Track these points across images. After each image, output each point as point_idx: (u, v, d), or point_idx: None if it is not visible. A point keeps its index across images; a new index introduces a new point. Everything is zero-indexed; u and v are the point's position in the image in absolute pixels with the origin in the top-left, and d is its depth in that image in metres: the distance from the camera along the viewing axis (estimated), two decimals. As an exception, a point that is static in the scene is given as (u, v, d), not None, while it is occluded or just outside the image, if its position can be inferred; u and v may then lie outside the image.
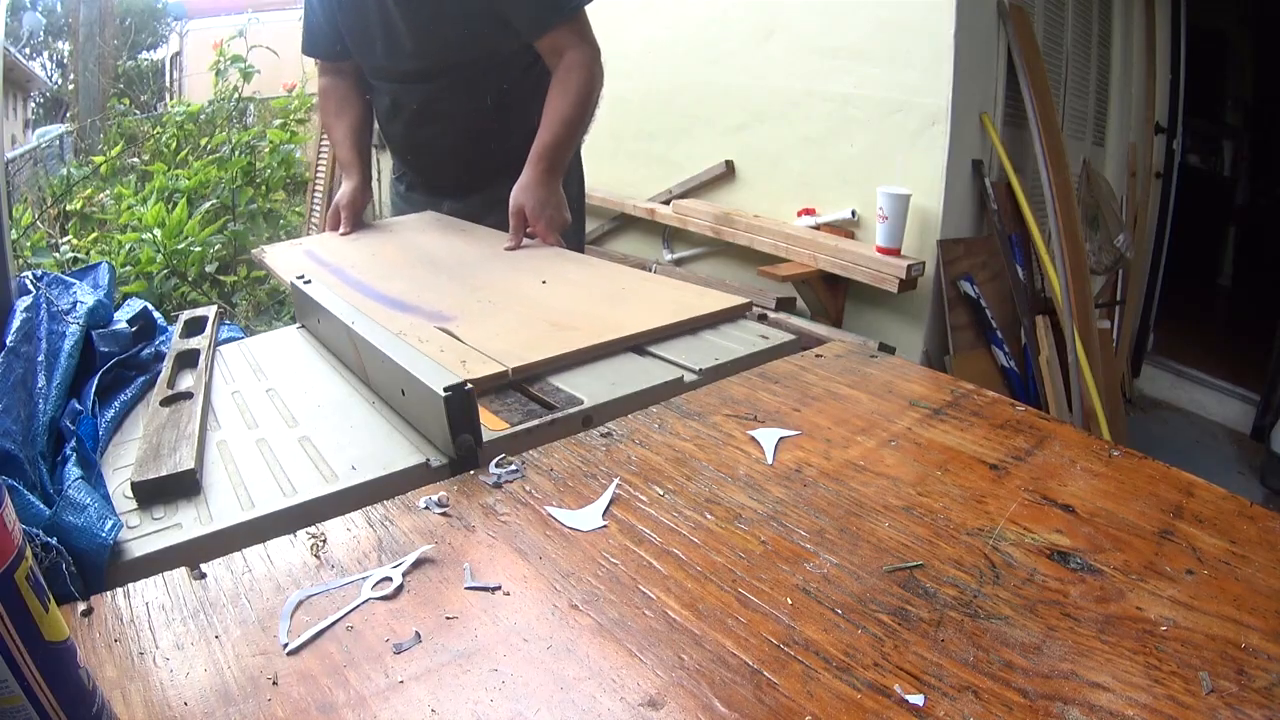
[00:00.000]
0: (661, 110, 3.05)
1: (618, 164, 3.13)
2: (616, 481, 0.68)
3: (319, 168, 4.24)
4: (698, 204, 2.97)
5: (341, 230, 1.49)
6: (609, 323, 0.96)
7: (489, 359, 0.88)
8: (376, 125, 1.70)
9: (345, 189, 1.54)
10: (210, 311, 1.10)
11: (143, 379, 0.92)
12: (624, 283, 1.13)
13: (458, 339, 0.94)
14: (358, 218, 1.54)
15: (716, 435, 0.75)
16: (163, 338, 1.02)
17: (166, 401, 0.84)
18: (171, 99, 5.38)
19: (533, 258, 1.32)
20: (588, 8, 1.48)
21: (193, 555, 0.61)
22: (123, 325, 0.97)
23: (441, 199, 1.69)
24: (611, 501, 0.65)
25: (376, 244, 1.46)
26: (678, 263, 3.13)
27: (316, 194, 4.22)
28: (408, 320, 1.01)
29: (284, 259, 1.38)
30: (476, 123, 1.59)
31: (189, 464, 0.70)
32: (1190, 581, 0.54)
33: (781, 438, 0.74)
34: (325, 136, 1.77)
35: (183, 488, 0.69)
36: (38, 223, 3.70)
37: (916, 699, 0.45)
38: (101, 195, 4.02)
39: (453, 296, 1.10)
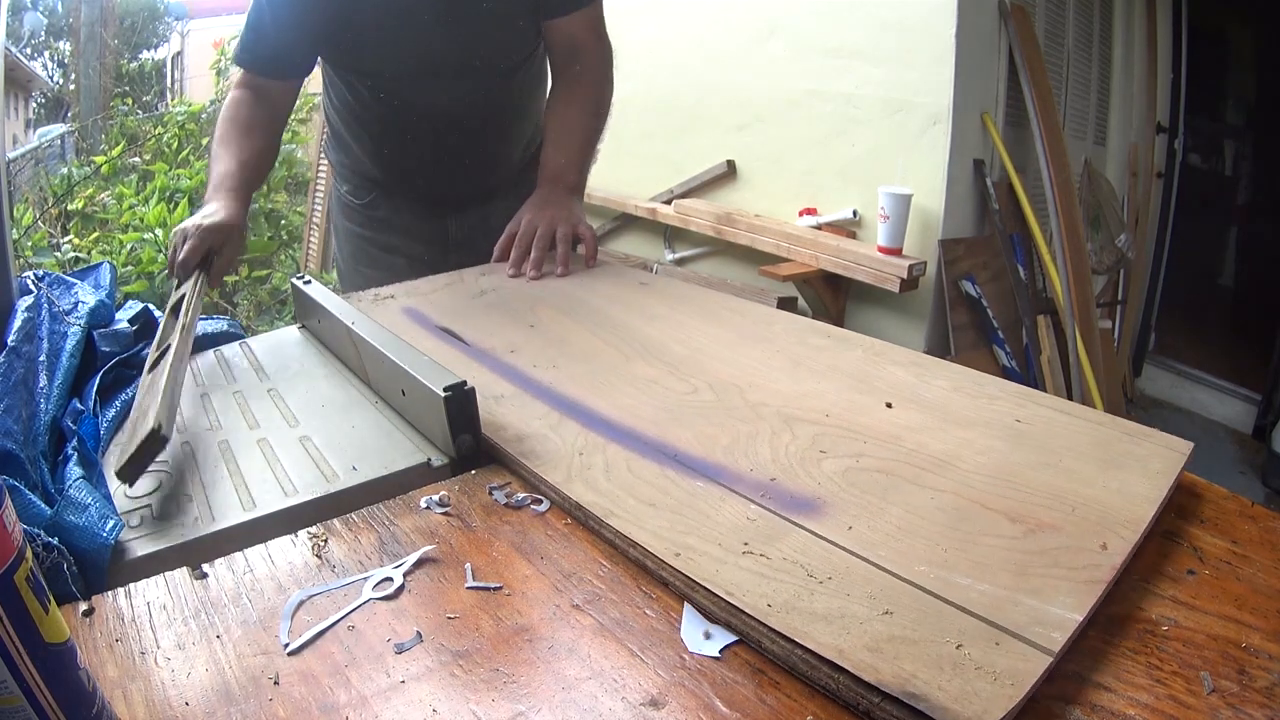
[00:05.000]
0: (663, 110, 3.05)
1: (619, 164, 3.12)
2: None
3: (320, 168, 4.25)
4: (699, 204, 2.97)
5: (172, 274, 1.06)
6: (1079, 507, 0.58)
7: (1009, 635, 0.47)
8: (356, 142, 1.41)
9: (228, 212, 1.11)
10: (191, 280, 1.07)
11: (144, 379, 0.93)
12: (998, 404, 0.74)
13: (876, 566, 0.53)
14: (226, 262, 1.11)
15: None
16: (164, 337, 1.02)
17: (152, 367, 0.82)
18: (173, 99, 5.39)
19: (803, 344, 0.89)
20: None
21: (194, 555, 0.61)
22: (124, 325, 0.97)
23: (445, 214, 1.45)
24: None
25: (519, 306, 1.06)
26: (679, 263, 3.13)
27: (318, 194, 4.22)
28: (741, 508, 0.60)
29: (366, 316, 0.91)
30: (498, 124, 1.39)
31: (152, 423, 0.66)
32: (1191, 581, 0.54)
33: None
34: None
35: (154, 450, 0.67)
36: (39, 222, 3.70)
37: (918, 699, 0.45)
38: (103, 195, 4.02)
39: (761, 438, 0.70)
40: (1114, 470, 0.63)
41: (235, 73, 1.30)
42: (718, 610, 0.51)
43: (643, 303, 1.05)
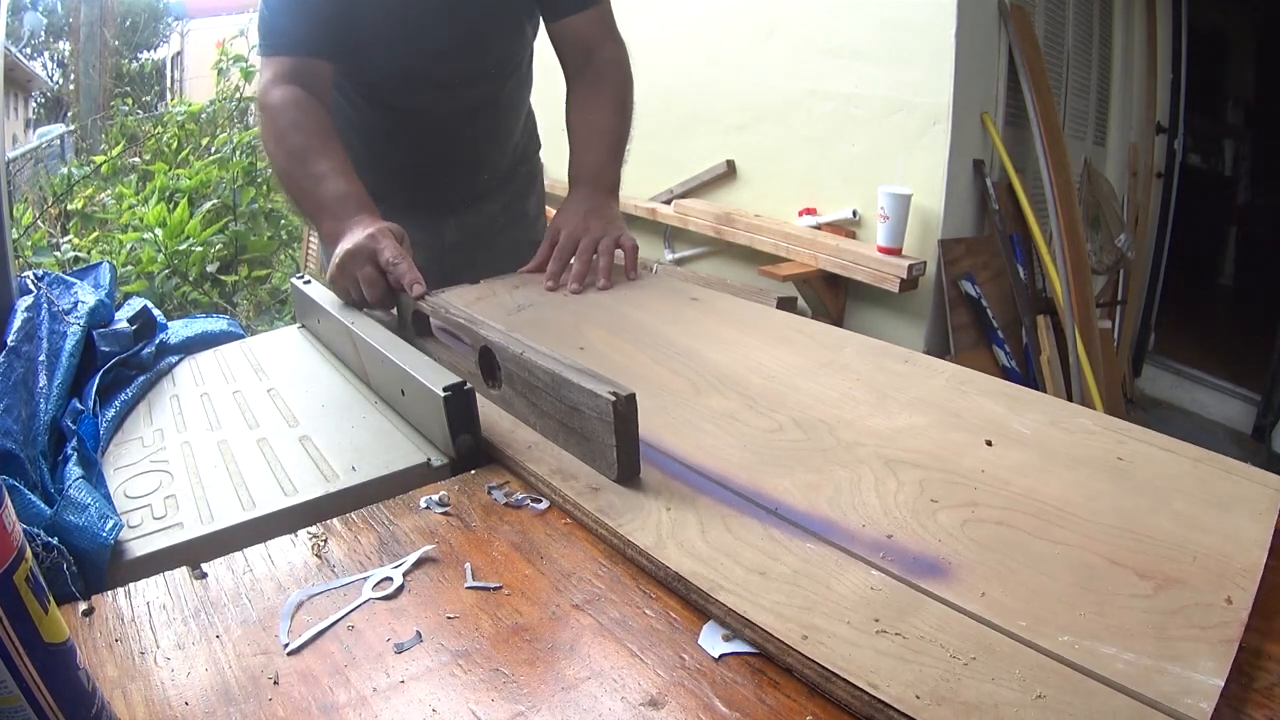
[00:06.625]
0: (662, 110, 3.05)
1: (618, 164, 3.13)
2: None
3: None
4: (699, 204, 2.97)
5: (415, 294, 0.93)
6: (1199, 556, 0.55)
7: (1160, 712, 0.44)
8: (345, 147, 1.22)
9: (375, 231, 0.98)
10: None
11: (143, 378, 0.93)
12: (1095, 439, 0.70)
13: (1019, 640, 0.48)
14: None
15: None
16: (163, 335, 1.02)
17: (486, 376, 0.81)
18: (173, 99, 5.39)
19: (882, 370, 0.83)
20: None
21: (194, 555, 0.61)
22: (123, 324, 0.97)
23: (436, 219, 1.38)
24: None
25: (564, 325, 0.97)
26: (679, 262, 3.13)
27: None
28: (862, 575, 0.54)
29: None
30: (491, 128, 1.37)
31: (607, 395, 0.63)
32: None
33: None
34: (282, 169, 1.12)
35: (634, 415, 0.64)
36: (39, 222, 3.70)
37: (918, 699, 0.45)
38: (102, 195, 4.02)
39: (865, 486, 0.64)
40: (1221, 513, 0.60)
41: (271, 67, 1.14)
42: (857, 704, 0.45)
43: (699, 322, 0.97)
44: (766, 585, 0.53)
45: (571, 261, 1.13)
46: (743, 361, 0.87)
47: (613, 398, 0.63)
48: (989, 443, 0.69)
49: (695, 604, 0.54)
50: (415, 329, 0.93)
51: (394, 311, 0.98)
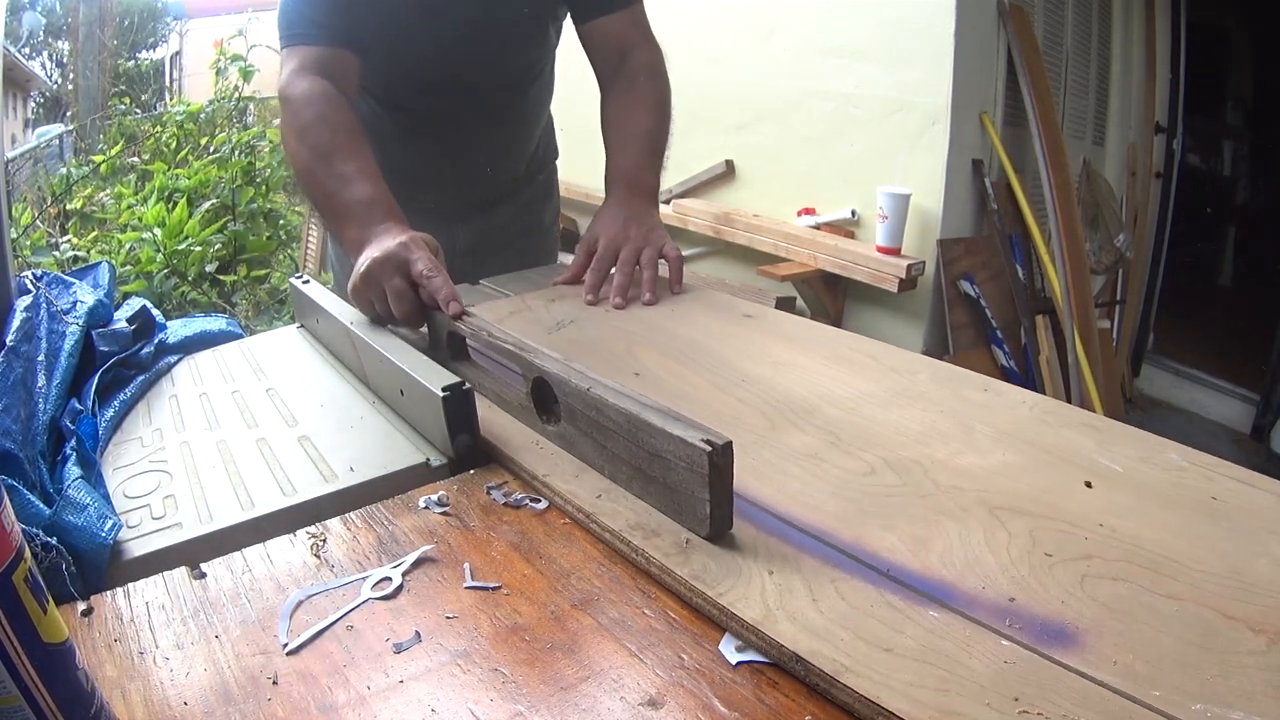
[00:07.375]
0: (661, 110, 3.05)
1: (618, 163, 3.12)
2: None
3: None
4: (698, 203, 2.97)
5: (452, 312, 0.85)
6: None
7: None
8: None
9: (408, 240, 0.90)
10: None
11: (142, 378, 0.93)
12: (1187, 477, 0.66)
13: (1158, 712, 0.46)
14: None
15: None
16: (161, 334, 1.02)
17: (539, 413, 0.73)
18: (171, 98, 5.39)
19: (961, 399, 0.78)
20: None
21: (193, 555, 0.61)
22: (122, 324, 0.97)
23: (449, 224, 1.31)
24: (611, 501, 0.65)
25: (613, 345, 0.91)
26: (678, 262, 3.13)
27: (316, 193, 4.20)
28: (993, 646, 0.49)
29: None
30: (509, 135, 1.36)
31: (702, 447, 0.56)
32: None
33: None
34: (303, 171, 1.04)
35: (729, 465, 0.56)
36: (37, 222, 3.70)
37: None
38: (101, 195, 4.02)
39: (975, 539, 0.59)
40: None
41: (294, 58, 1.07)
42: None
43: (758, 343, 0.90)
44: (894, 663, 0.47)
45: (612, 273, 1.07)
46: (811, 388, 0.80)
47: (708, 447, 0.54)
48: (1088, 484, 0.65)
49: (818, 688, 0.47)
50: (450, 351, 0.86)
51: (423, 330, 0.91)
